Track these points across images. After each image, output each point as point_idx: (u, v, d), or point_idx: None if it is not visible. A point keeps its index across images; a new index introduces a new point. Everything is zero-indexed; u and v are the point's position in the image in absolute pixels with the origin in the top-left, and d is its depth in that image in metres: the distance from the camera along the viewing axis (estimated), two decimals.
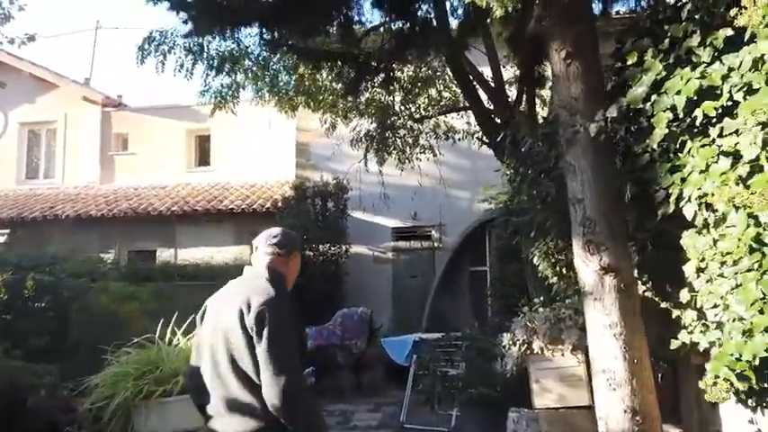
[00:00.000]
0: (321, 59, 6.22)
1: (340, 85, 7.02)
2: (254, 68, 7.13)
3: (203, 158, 14.69)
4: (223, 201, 12.22)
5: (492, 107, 6.39)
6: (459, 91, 7.54)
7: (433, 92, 8.02)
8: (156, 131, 14.33)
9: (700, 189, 2.56)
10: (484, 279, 10.34)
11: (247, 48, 6.89)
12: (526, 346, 3.34)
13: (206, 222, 12.03)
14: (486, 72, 6.81)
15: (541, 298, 4.21)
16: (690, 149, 2.67)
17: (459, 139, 8.25)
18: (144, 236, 12.25)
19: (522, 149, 4.25)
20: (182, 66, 6.79)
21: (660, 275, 3.14)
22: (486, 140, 6.47)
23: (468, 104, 6.66)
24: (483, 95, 6.75)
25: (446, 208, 11.46)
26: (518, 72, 6.92)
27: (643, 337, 2.88)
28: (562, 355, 3.29)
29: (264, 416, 1.99)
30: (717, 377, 2.49)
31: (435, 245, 11.59)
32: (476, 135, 7.90)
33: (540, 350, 3.31)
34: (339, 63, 6.18)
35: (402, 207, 11.60)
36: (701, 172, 2.56)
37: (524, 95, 6.51)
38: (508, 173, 5.40)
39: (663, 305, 2.89)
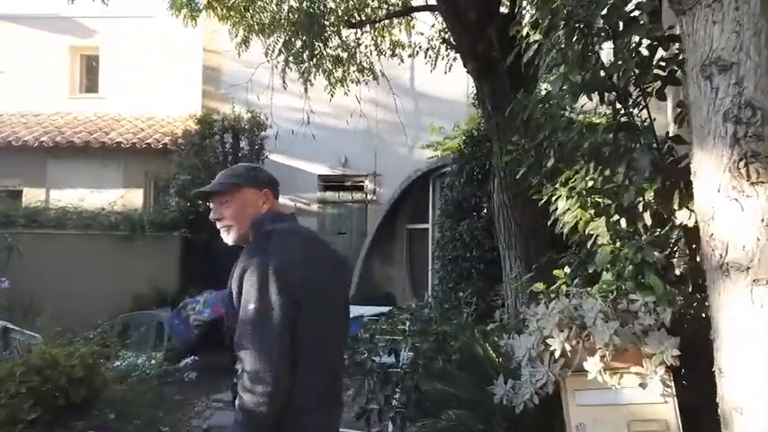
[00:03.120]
0: None
1: None
2: None
3: (91, 84, 12.10)
4: (109, 133, 9.91)
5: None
6: None
7: None
8: (29, 46, 11.56)
9: None
10: (425, 238, 8.87)
11: None
12: (564, 360, 1.78)
13: (86, 158, 9.71)
14: None
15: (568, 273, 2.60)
16: None
17: (410, 56, 6.51)
18: (5, 172, 9.76)
19: None
20: None
21: None
22: (455, 46, 4.79)
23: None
24: None
25: (382, 154, 9.83)
26: None
27: None
28: (641, 385, 1.70)
29: None
30: None
31: (368, 197, 9.96)
32: (438, 45, 6.14)
33: (589, 369, 1.73)
34: None
35: (330, 151, 9.86)
36: None
37: None
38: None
39: None
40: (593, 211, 2.14)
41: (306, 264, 1.73)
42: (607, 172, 2.08)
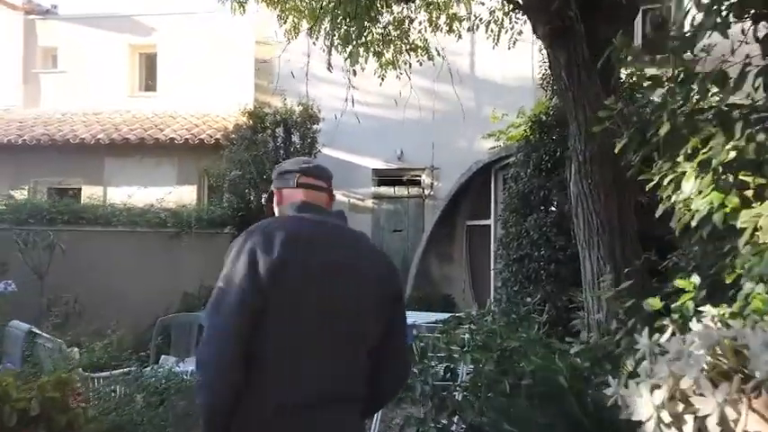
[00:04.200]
0: None
1: None
2: None
3: (149, 82, 12.15)
4: (164, 130, 9.81)
5: None
6: None
7: None
8: (92, 46, 11.72)
9: None
10: (486, 236, 8.18)
11: None
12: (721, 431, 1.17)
13: (142, 156, 9.66)
14: None
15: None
16: None
17: (469, 29, 5.83)
18: (66, 170, 9.86)
19: None
20: None
21: None
22: (523, 6, 4.13)
23: None
24: None
25: (440, 147, 9.20)
26: None
27: None
28: None
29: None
30: None
31: (425, 192, 9.37)
32: (501, 16, 5.44)
33: None
34: None
35: (385, 144, 9.35)
36: None
37: None
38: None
39: None
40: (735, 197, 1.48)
41: (288, 250, 1.53)
42: (762, 137, 1.42)
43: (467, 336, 3.32)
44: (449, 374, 3.09)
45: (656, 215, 1.89)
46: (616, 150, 2.02)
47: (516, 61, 8.89)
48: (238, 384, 1.48)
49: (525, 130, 6.08)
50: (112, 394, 3.59)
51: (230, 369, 1.47)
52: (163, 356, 4.76)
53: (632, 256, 3.41)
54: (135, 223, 7.09)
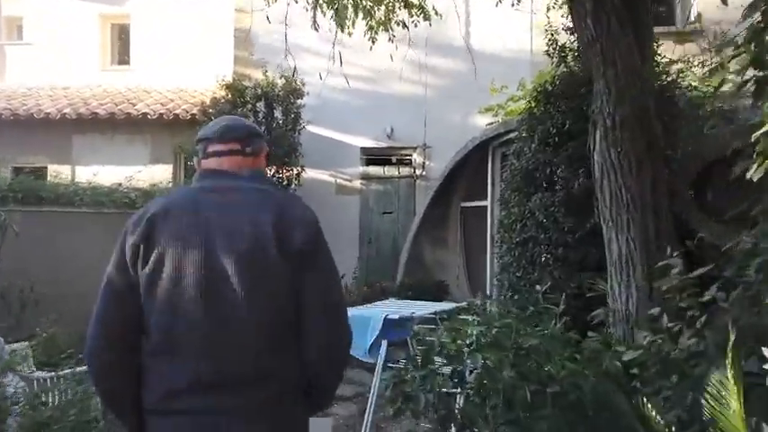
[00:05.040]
0: None
1: None
2: None
3: (123, 56, 11.40)
4: (136, 104, 9.14)
5: None
6: None
7: None
8: (60, 16, 10.92)
9: None
10: (482, 218, 7.69)
11: None
12: None
13: (113, 134, 8.99)
14: None
15: None
16: None
17: None
18: (31, 149, 9.16)
19: None
20: None
21: None
22: None
23: None
24: None
25: (432, 124, 8.67)
26: None
27: None
28: None
29: (288, 382, 1.49)
30: None
31: (417, 172, 8.84)
32: None
33: None
34: None
35: (374, 121, 8.79)
36: None
37: None
38: None
39: None
40: None
41: (149, 227, 1.50)
42: None
43: (474, 331, 2.80)
44: (456, 379, 2.58)
45: (754, 178, 1.40)
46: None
47: (514, 31, 8.36)
48: (114, 366, 1.50)
49: (529, 102, 5.56)
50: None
51: (98, 353, 1.50)
52: None
53: (667, 239, 2.93)
54: (101, 204, 6.47)
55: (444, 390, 2.59)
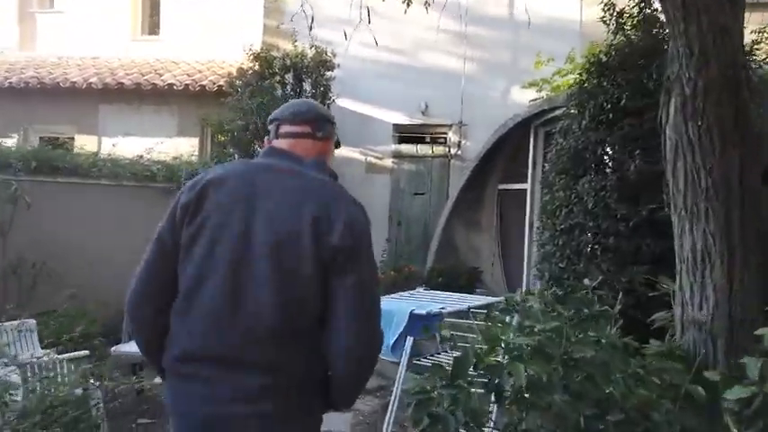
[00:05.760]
0: None
1: None
2: None
3: (153, 27, 11.15)
4: (163, 75, 8.87)
5: None
6: None
7: None
8: None
9: None
10: (521, 202, 7.17)
11: None
12: None
13: (140, 104, 8.76)
14: None
15: None
16: None
17: None
18: (57, 118, 9.02)
19: None
20: None
21: None
22: None
23: None
24: None
25: (469, 100, 8.13)
26: None
27: None
28: None
29: (295, 376, 1.48)
30: None
31: (452, 151, 8.34)
32: None
33: None
34: None
35: (408, 97, 8.32)
36: None
37: None
38: None
39: None
40: None
41: (202, 191, 1.53)
42: None
43: (518, 339, 2.36)
44: (492, 391, 2.16)
45: None
46: None
47: (562, 0, 7.72)
48: (148, 320, 1.56)
49: (580, 74, 5.00)
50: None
51: (135, 305, 1.57)
52: None
53: (751, 234, 2.42)
54: (119, 176, 6.21)
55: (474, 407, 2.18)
